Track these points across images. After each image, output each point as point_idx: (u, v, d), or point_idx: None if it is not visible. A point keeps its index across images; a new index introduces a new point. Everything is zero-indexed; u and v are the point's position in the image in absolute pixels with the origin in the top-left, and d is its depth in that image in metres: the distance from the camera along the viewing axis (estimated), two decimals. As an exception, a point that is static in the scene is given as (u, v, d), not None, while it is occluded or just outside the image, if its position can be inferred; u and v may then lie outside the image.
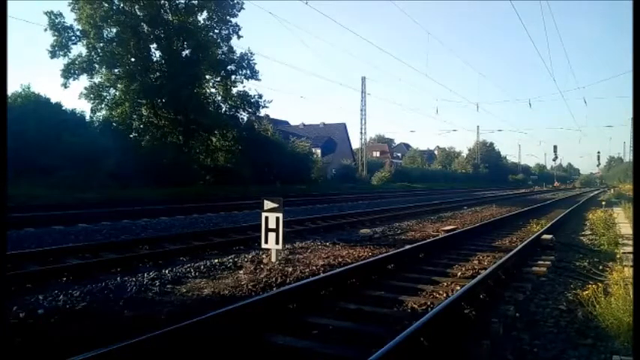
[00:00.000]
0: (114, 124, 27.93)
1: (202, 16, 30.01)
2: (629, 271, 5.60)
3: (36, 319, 4.33)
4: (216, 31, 30.34)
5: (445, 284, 5.99)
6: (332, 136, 64.33)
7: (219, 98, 31.93)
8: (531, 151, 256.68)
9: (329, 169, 50.32)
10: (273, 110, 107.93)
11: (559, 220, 14.31)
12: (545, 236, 9.53)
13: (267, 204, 7.21)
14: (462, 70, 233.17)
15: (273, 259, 7.20)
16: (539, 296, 5.53)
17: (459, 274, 6.62)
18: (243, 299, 4.90)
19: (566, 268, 7.35)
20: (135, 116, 29.12)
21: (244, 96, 31.72)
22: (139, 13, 27.91)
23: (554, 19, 74.46)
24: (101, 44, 27.12)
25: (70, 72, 26.49)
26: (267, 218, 7.19)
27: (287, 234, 8.53)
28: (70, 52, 26.55)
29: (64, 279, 5.93)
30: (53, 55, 26.18)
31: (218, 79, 31.24)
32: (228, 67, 30.87)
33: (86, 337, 3.76)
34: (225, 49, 30.73)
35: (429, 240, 9.33)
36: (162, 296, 5.30)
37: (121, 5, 27.10)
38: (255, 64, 31.23)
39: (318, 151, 52.69)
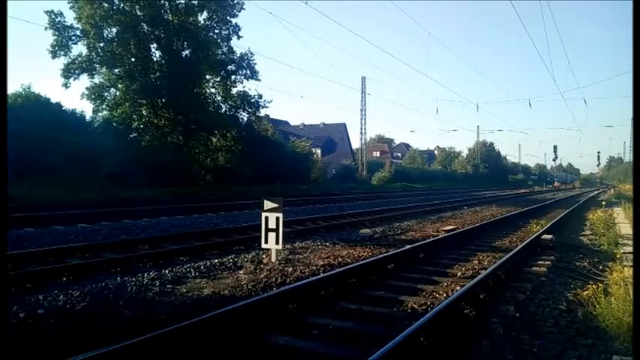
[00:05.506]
0: (114, 124, 27.95)
1: (202, 16, 30.04)
2: (629, 271, 5.59)
3: (36, 319, 4.33)
4: (216, 31, 30.33)
5: (445, 284, 5.99)
6: (332, 136, 64.29)
7: (219, 98, 31.94)
8: (531, 151, 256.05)
9: (329, 169, 50.32)
10: (273, 110, 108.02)
11: (559, 220, 14.31)
12: (545, 236, 9.53)
13: (267, 204, 7.21)
14: (462, 70, 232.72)
15: (273, 259, 7.20)
16: (539, 296, 5.53)
17: (459, 274, 6.62)
18: (243, 299, 4.89)
19: (566, 268, 7.35)
20: (135, 116, 29.11)
21: (244, 96, 31.73)
22: (139, 13, 27.88)
23: (554, 19, 74.42)
24: (101, 44, 27.12)
25: (70, 72, 26.49)
26: (267, 218, 7.19)
27: (287, 234, 8.53)
28: (70, 52, 26.60)
29: (64, 279, 5.93)
30: (54, 54, 26.19)
31: (218, 79, 31.23)
32: (228, 67, 30.86)
33: (86, 337, 3.75)
34: (225, 49, 30.72)
35: (429, 240, 9.34)
36: (162, 296, 5.29)
37: (121, 5, 27.08)
38: (255, 64, 31.28)
39: (318, 151, 52.69)
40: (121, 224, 11.27)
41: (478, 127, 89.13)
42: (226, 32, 30.50)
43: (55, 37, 26.00)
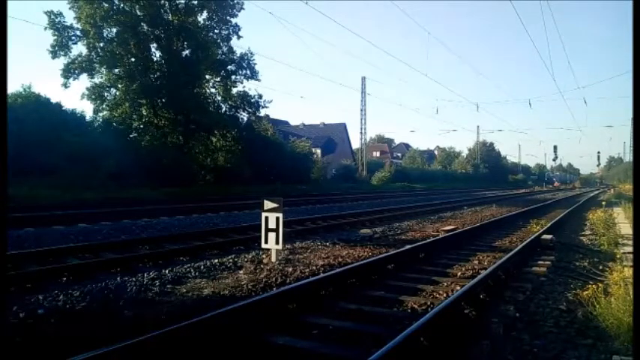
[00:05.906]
0: (114, 124, 27.96)
1: (202, 17, 30.08)
2: (629, 271, 5.58)
3: (36, 319, 4.33)
4: (216, 31, 30.37)
5: (445, 284, 5.99)
6: (332, 136, 64.32)
7: (219, 98, 31.97)
8: (531, 151, 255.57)
9: (329, 169, 50.27)
10: (273, 110, 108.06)
11: (559, 220, 14.31)
12: (545, 236, 9.52)
13: (267, 204, 7.21)
14: (462, 70, 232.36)
15: (273, 259, 7.20)
16: (539, 296, 5.53)
17: (459, 274, 6.62)
18: (243, 299, 4.90)
19: (566, 268, 7.35)
20: (135, 116, 29.10)
21: (244, 96, 31.75)
22: (138, 13, 27.89)
23: (554, 19, 74.44)
24: (101, 44, 27.13)
25: (70, 71, 26.49)
26: (267, 218, 7.19)
27: (287, 234, 8.53)
28: (70, 52, 26.61)
29: (64, 279, 5.93)
30: (54, 55, 26.19)
31: (218, 79, 31.26)
32: (228, 67, 30.90)
33: (86, 337, 3.76)
34: (225, 49, 30.76)
35: (429, 240, 9.33)
36: (162, 296, 5.30)
37: (121, 5, 27.09)
38: (255, 64, 31.30)
39: (318, 151, 52.69)
40: (121, 224, 11.27)
41: (478, 127, 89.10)
42: (226, 32, 30.56)
43: (55, 37, 26.00)
